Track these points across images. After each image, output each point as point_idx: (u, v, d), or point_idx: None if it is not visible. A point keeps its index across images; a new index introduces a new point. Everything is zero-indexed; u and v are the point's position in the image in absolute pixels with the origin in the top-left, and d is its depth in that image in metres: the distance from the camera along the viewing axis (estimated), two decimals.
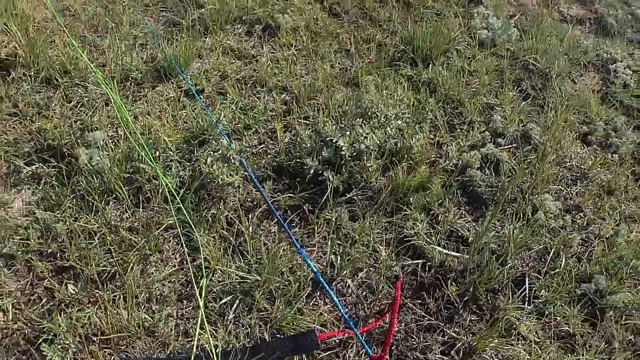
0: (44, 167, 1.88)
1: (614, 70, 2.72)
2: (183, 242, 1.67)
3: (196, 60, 2.30)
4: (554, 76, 2.51)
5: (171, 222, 1.69)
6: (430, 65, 2.39)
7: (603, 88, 2.64)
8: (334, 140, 1.85)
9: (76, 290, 1.55)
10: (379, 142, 1.87)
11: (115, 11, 2.56)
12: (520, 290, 1.74)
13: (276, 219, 1.75)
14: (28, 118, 2.09)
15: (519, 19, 2.92)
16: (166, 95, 2.16)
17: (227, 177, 1.74)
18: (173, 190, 1.72)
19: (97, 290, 1.56)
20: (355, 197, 1.85)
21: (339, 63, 2.36)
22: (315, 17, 2.55)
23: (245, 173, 1.84)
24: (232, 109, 2.08)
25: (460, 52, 2.52)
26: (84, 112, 2.08)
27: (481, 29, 2.64)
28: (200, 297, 1.53)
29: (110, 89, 2.13)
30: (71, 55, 2.28)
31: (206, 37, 2.43)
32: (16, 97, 2.15)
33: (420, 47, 2.37)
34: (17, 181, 1.88)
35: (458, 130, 2.17)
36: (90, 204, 1.75)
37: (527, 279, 1.78)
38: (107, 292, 1.55)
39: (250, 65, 2.30)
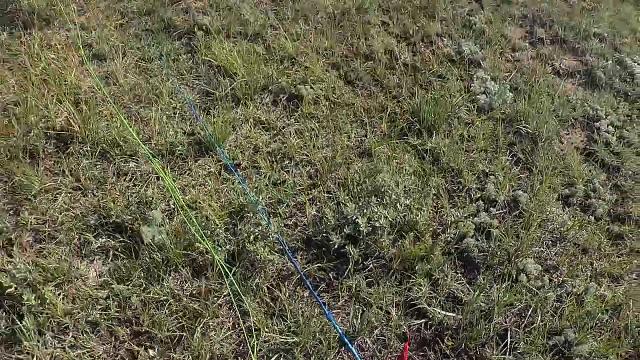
0: (111, 241, 2.40)
1: (597, 128, 3.23)
2: (236, 307, 2.20)
3: (231, 133, 2.79)
4: (543, 139, 3.02)
5: (225, 292, 2.23)
6: (434, 134, 2.89)
7: (587, 146, 3.15)
8: (353, 218, 2.37)
9: (155, 354, 2.09)
10: (390, 219, 2.39)
11: (154, 81, 3.03)
12: (503, 343, 2.30)
13: (307, 285, 2.29)
14: (90, 192, 2.59)
15: (515, 76, 3.40)
16: (207, 169, 2.66)
17: (268, 254, 2.26)
18: (225, 268, 2.25)
19: (170, 352, 2.10)
20: (371, 265, 2.38)
21: (355, 133, 2.86)
22: (332, 86, 3.03)
23: (281, 245, 2.37)
24: (266, 183, 2.60)
25: (461, 119, 3.01)
26: (138, 185, 2.59)
27: (480, 93, 3.13)
28: (254, 355, 2.08)
29: (159, 163, 2.63)
30: (120, 128, 2.77)
31: (237, 108, 2.92)
32: (77, 172, 2.65)
33: (426, 118, 2.87)
34: (89, 252, 2.39)
35: (456, 198, 2.69)
36: (156, 275, 2.27)
37: (509, 333, 2.33)
38: (178, 353, 2.09)
39: (278, 138, 2.80)
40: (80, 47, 3.20)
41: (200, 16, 3.37)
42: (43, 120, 2.85)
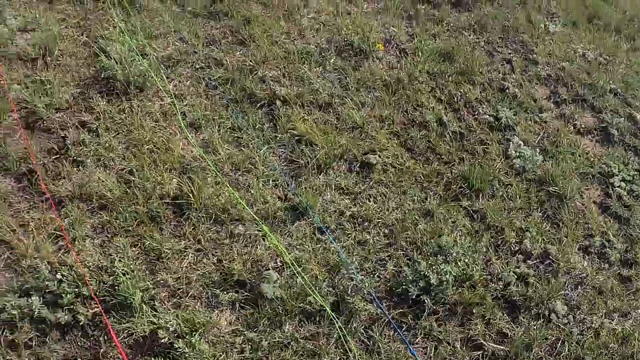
0: (235, 294, 3.34)
1: (611, 184, 4.25)
2: (345, 345, 3.19)
3: (318, 199, 3.75)
4: (567, 197, 4.03)
5: (332, 334, 3.21)
6: (481, 197, 3.89)
7: (603, 201, 4.17)
8: (426, 274, 3.37)
9: None
10: (454, 275, 3.40)
11: (246, 150, 3.95)
12: None
13: (394, 327, 3.28)
14: (210, 253, 3.52)
15: (543, 137, 4.39)
16: (303, 231, 3.62)
17: (363, 304, 3.26)
18: (333, 316, 3.23)
19: None
20: (440, 310, 3.39)
21: (417, 197, 3.84)
22: (396, 153, 4.00)
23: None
24: (352, 242, 3.57)
25: (501, 181, 4.01)
26: (249, 246, 3.53)
27: (515, 157, 4.13)
28: None
29: (266, 227, 3.58)
30: (228, 196, 3.70)
31: (320, 175, 3.87)
32: (196, 235, 3.57)
33: (474, 184, 3.86)
34: (217, 304, 3.32)
35: (500, 252, 3.70)
36: (277, 322, 3.24)
37: None
38: None
39: (357, 202, 3.76)
40: (179, 117, 4.10)
41: (277, 86, 4.29)
42: (157, 187, 3.76)
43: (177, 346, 3.02)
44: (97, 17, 4.96)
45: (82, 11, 5.03)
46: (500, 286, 3.52)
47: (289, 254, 3.49)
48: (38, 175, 3.77)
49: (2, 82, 4.44)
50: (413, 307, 3.38)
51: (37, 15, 4.94)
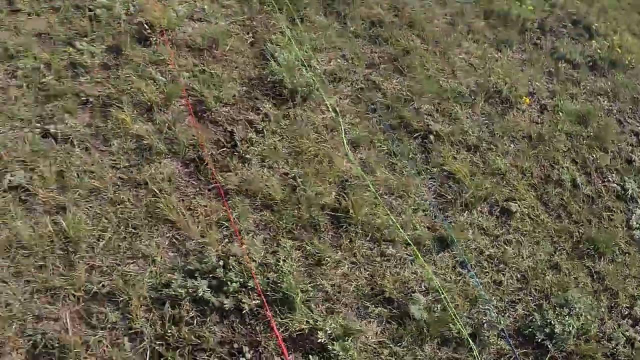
0: (383, 309, 4.05)
1: None
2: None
3: (462, 235, 4.44)
4: None
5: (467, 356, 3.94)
6: (602, 259, 4.57)
7: None
8: (552, 323, 4.08)
9: None
10: (576, 328, 4.11)
11: (400, 177, 4.63)
12: None
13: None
14: (363, 267, 4.22)
15: None
16: (446, 262, 4.32)
17: (496, 340, 3.98)
18: (472, 344, 3.95)
19: None
20: (557, 357, 4.10)
21: (548, 249, 4.53)
22: (532, 205, 4.67)
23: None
24: (488, 280, 4.28)
25: (621, 249, 4.69)
26: (398, 267, 4.24)
27: (636, 229, 4.80)
28: None
29: (418, 252, 4.28)
30: (382, 216, 4.39)
31: (464, 213, 4.56)
32: (351, 248, 4.26)
33: (599, 247, 4.55)
34: (365, 315, 4.03)
35: (612, 313, 4.39)
36: (419, 341, 3.95)
37: None
38: None
39: (494, 244, 4.46)
40: (342, 133, 4.79)
41: (431, 121, 4.96)
42: (318, 197, 4.45)
43: (331, 348, 3.60)
44: (263, 19, 5.60)
45: (248, 10, 5.66)
46: (611, 345, 4.23)
47: (434, 281, 4.21)
48: (207, 164, 4.36)
49: (171, 66, 5.09)
50: (536, 349, 4.09)
51: (205, 7, 5.56)
